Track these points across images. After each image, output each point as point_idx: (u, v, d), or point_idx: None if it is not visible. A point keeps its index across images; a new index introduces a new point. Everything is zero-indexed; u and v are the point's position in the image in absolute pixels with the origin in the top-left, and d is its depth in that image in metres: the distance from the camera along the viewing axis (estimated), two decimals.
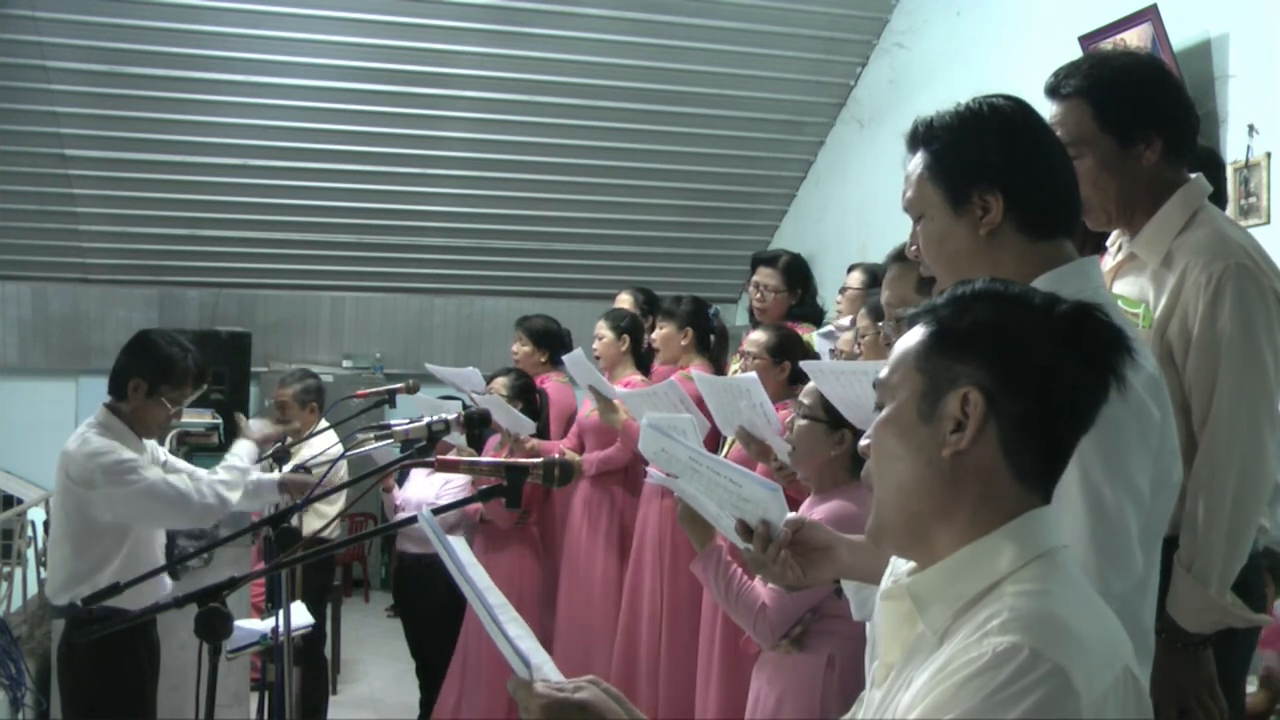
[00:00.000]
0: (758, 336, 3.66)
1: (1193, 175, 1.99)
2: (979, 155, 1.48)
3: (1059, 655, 0.99)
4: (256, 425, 3.65)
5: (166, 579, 3.19)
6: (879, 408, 1.19)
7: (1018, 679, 0.98)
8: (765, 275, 4.31)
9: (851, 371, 2.40)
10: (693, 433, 1.90)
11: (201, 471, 3.29)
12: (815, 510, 2.46)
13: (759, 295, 4.32)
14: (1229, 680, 1.96)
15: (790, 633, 2.48)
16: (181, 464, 3.33)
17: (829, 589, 2.26)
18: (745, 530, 1.67)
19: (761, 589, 2.44)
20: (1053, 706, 0.97)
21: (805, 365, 2.67)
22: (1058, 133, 1.91)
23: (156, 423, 3.13)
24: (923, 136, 1.54)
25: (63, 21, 5.75)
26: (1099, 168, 1.92)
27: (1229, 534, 1.87)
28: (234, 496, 3.16)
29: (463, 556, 1.34)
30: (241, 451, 3.36)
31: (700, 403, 3.49)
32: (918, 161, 1.55)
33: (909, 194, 1.56)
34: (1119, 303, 1.97)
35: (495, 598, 1.31)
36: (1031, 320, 1.12)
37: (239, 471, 3.25)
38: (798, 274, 4.34)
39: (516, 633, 1.25)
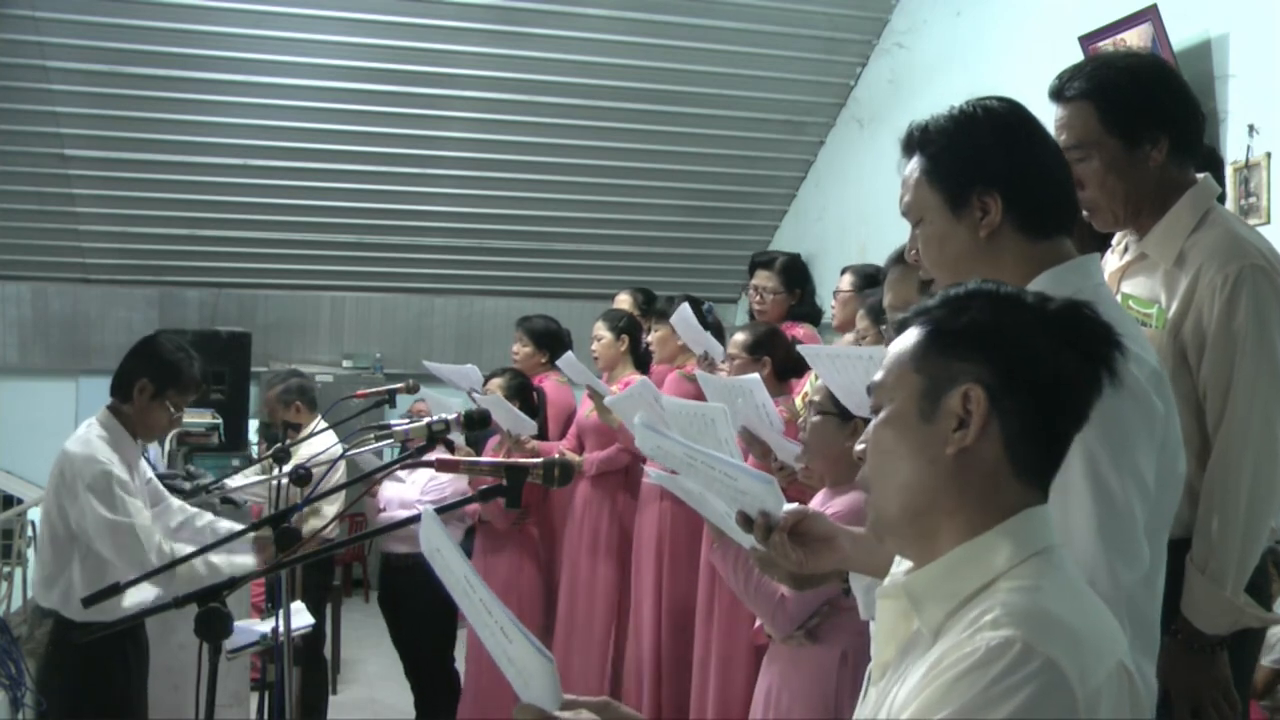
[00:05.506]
0: (736, 337, 3.68)
1: (1200, 175, 1.99)
2: (976, 157, 1.49)
3: (1052, 650, 0.98)
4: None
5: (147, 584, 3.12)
6: (875, 410, 1.19)
7: (1010, 673, 0.97)
8: (763, 278, 4.32)
9: (847, 356, 2.40)
10: (723, 421, 1.85)
11: (178, 505, 3.23)
12: (833, 503, 2.47)
13: (758, 298, 4.32)
14: (1236, 680, 1.95)
15: (806, 624, 2.49)
16: (167, 496, 3.24)
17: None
18: (746, 521, 1.67)
19: None
20: (1046, 701, 0.97)
21: (803, 349, 2.68)
22: (1063, 136, 1.91)
23: (158, 426, 3.13)
24: (918, 141, 1.55)
25: (63, 21, 5.74)
26: (1106, 170, 1.92)
27: (1244, 535, 1.86)
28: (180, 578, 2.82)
29: (456, 568, 1.27)
30: (238, 559, 3.03)
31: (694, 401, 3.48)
32: (914, 166, 1.55)
33: (907, 198, 1.56)
34: (1130, 303, 1.97)
35: (493, 611, 1.23)
36: (1028, 317, 1.13)
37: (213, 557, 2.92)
38: (795, 274, 4.35)
39: (516, 648, 1.19)
